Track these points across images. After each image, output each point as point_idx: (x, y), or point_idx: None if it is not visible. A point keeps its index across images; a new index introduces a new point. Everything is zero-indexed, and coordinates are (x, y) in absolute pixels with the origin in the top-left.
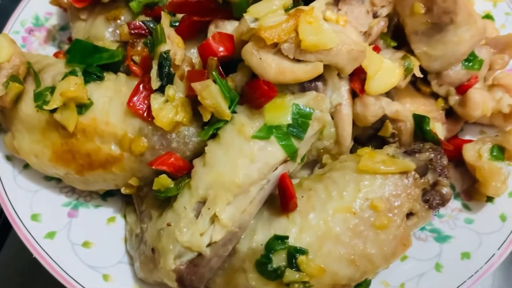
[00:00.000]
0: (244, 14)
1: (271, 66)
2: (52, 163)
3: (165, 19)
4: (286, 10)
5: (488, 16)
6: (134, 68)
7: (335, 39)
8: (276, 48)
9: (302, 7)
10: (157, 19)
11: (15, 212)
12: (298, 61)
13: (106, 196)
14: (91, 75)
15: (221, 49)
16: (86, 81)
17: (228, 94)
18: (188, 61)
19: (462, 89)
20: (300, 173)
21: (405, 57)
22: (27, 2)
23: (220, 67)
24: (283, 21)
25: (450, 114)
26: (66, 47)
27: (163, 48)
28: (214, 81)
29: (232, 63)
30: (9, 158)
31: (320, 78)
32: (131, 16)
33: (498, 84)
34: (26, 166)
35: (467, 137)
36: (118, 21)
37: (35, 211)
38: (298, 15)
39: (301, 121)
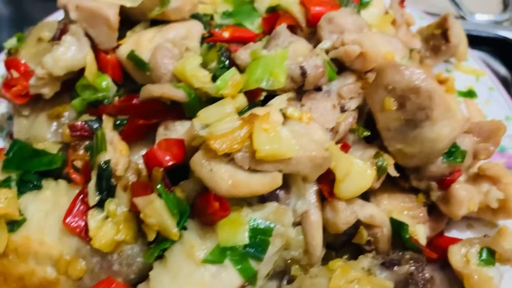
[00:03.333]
0: (193, 119)
1: (223, 179)
2: None
3: (108, 122)
4: (241, 112)
5: (470, 92)
6: (74, 176)
7: (294, 147)
8: (229, 157)
9: (257, 110)
10: (102, 119)
11: None
12: (255, 170)
13: None
14: (28, 184)
15: (167, 158)
16: (21, 192)
17: (176, 209)
18: (134, 168)
19: (444, 183)
20: (267, 285)
21: (378, 155)
22: None
23: (167, 178)
24: (236, 128)
25: (433, 209)
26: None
27: (103, 157)
28: (160, 195)
29: (186, 166)
30: None
31: (282, 184)
32: (76, 113)
33: (484, 176)
34: None
35: (453, 232)
36: (62, 118)
37: None
38: (253, 121)
39: (260, 239)
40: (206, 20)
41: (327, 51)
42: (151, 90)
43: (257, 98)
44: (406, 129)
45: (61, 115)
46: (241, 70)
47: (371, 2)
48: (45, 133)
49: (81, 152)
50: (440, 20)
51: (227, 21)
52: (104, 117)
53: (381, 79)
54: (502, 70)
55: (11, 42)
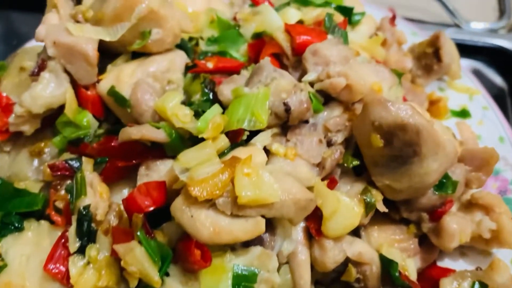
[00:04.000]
0: (173, 162)
1: (204, 226)
2: None
3: (87, 164)
4: (222, 153)
5: (464, 112)
6: (56, 218)
7: (277, 191)
8: (210, 202)
9: (239, 151)
10: (85, 156)
11: None
12: (237, 216)
13: None
14: (9, 226)
15: (147, 203)
16: (2, 235)
17: (157, 256)
18: (115, 210)
19: (436, 215)
20: None
21: (366, 190)
22: None
23: (147, 224)
24: (216, 173)
25: (425, 238)
26: None
27: (82, 202)
28: (141, 242)
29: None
30: None
31: (266, 226)
32: (58, 150)
33: (476, 205)
34: None
35: (446, 261)
36: (44, 155)
37: None
38: (234, 165)
39: (244, 286)
40: (190, 46)
41: (312, 83)
42: (130, 133)
43: (239, 138)
44: (394, 165)
45: (42, 151)
46: (224, 105)
47: (361, 20)
48: (27, 170)
49: (62, 192)
50: (432, 38)
51: (212, 47)
52: (84, 159)
53: (368, 115)
54: (498, 80)
55: None
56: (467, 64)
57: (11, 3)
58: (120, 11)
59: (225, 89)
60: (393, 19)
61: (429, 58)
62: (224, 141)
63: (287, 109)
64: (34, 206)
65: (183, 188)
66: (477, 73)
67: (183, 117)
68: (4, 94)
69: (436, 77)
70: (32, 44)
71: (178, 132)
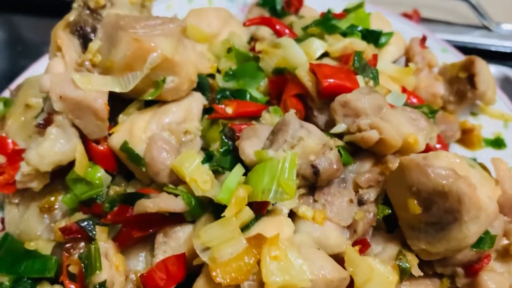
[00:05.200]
0: (193, 239)
1: None
2: None
3: (101, 234)
4: (246, 226)
5: (498, 141)
6: (70, 286)
7: (307, 277)
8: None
9: (264, 225)
10: (97, 216)
11: None
12: None
13: None
14: None
15: (165, 282)
16: None
17: None
18: (133, 280)
19: (472, 270)
20: None
21: (400, 254)
22: None
23: None
24: (241, 254)
25: None
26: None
27: (98, 278)
28: None
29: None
30: None
31: None
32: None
33: None
34: None
35: None
36: (54, 212)
37: None
38: (260, 245)
39: None
40: (207, 82)
41: (341, 134)
42: (146, 207)
43: (264, 210)
44: (431, 231)
45: (53, 207)
46: (246, 165)
47: (388, 41)
48: (37, 229)
49: (75, 256)
50: (466, 62)
51: (229, 83)
52: (98, 228)
53: (404, 178)
54: None
55: None
56: (496, 70)
57: (16, 7)
58: (131, 59)
59: (247, 148)
60: (423, 40)
61: (462, 84)
62: (248, 214)
63: (316, 172)
64: (47, 273)
65: (204, 267)
66: (508, 81)
67: (203, 185)
68: (10, 140)
69: (469, 103)
70: (38, 69)
71: (197, 199)
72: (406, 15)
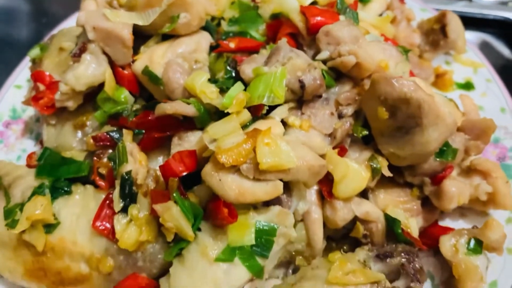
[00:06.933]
0: (203, 134)
1: (231, 188)
2: (26, 279)
3: (127, 135)
4: (245, 126)
5: (468, 84)
6: (100, 183)
7: (293, 159)
8: (235, 168)
9: (260, 124)
10: (122, 128)
11: None
12: (259, 179)
13: None
14: (59, 190)
15: (181, 168)
16: (54, 198)
17: (190, 214)
18: (153, 175)
19: (437, 179)
20: (275, 272)
21: (373, 157)
22: (4, 93)
23: (181, 187)
24: (240, 143)
25: (427, 200)
26: (39, 147)
27: (124, 168)
28: (176, 202)
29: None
30: None
31: (284, 189)
32: (98, 123)
33: (475, 170)
34: None
35: (447, 221)
36: (86, 128)
37: None
38: (256, 136)
39: (265, 239)
40: (214, 27)
41: (325, 61)
42: (165, 108)
43: (259, 112)
44: (398, 134)
45: (85, 124)
46: (245, 82)
47: None
48: (72, 141)
49: (105, 160)
50: (439, 15)
51: (233, 28)
52: (124, 131)
53: (374, 90)
54: (506, 52)
55: (35, 52)
56: (476, 36)
57: None
58: None
59: (247, 68)
60: None
61: (436, 34)
62: (246, 115)
63: (302, 86)
64: (81, 172)
65: (212, 156)
66: (486, 46)
67: (210, 94)
68: (47, 73)
69: (442, 51)
70: (67, 25)
71: (206, 107)
72: None
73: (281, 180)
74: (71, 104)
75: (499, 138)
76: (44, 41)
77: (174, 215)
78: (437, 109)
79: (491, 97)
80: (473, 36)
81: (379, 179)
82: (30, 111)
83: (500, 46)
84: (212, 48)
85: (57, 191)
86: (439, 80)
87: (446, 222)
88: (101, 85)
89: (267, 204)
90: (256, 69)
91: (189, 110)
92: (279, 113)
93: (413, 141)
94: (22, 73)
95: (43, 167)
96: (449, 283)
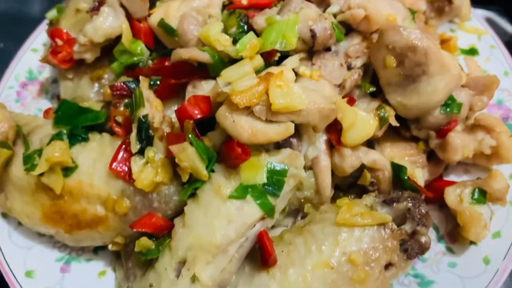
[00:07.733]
0: (217, 78)
1: (244, 129)
2: (43, 223)
3: (144, 82)
4: (258, 71)
5: (472, 50)
6: (116, 129)
7: (304, 100)
8: (249, 110)
9: (272, 69)
10: (138, 79)
11: (10, 270)
12: (271, 121)
13: (97, 249)
14: (77, 137)
15: (196, 112)
16: (72, 144)
17: (205, 155)
18: (168, 121)
19: (442, 132)
20: (284, 221)
21: (380, 107)
22: (21, 56)
23: (196, 129)
24: (254, 85)
25: (433, 155)
26: (55, 104)
27: (141, 112)
28: (191, 143)
29: (212, 119)
30: (4, 215)
31: (294, 133)
32: (114, 75)
33: (479, 125)
34: (21, 223)
35: (451, 177)
36: (102, 80)
37: (29, 267)
38: (268, 78)
39: (276, 179)
40: None
41: (335, 15)
42: (181, 53)
43: (272, 58)
44: (405, 83)
45: (101, 77)
46: (258, 34)
47: None
48: (89, 93)
49: (121, 108)
50: None
51: None
52: (141, 78)
53: (383, 39)
54: (510, 28)
55: (52, 13)
56: (480, 13)
57: None
58: None
59: (259, 19)
60: None
61: (441, 1)
62: (259, 61)
63: (313, 35)
64: (98, 120)
65: (226, 99)
66: (490, 22)
67: (224, 42)
68: (65, 31)
69: (447, 18)
70: None
71: (219, 55)
72: None
73: (292, 122)
74: (88, 56)
75: (502, 99)
76: (63, 3)
77: (189, 155)
78: (443, 58)
79: (495, 62)
80: (477, 13)
81: (386, 133)
82: (46, 73)
83: (504, 24)
84: (224, 6)
85: (74, 138)
86: (444, 46)
87: (450, 178)
88: (118, 39)
89: (278, 146)
90: (268, 18)
91: (204, 56)
92: (290, 63)
93: (420, 90)
94: (38, 38)
95: (61, 117)
96: (454, 234)
